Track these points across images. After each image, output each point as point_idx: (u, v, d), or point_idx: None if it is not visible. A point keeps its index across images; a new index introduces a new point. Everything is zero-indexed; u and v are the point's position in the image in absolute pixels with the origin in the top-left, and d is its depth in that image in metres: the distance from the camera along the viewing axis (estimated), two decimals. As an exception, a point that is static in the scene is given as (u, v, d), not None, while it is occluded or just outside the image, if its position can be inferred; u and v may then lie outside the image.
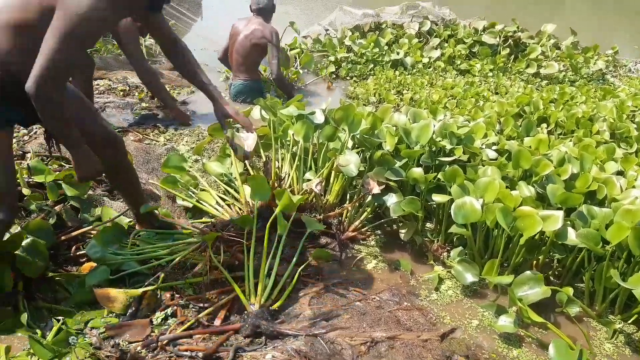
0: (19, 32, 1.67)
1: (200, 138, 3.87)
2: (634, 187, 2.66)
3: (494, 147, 3.08)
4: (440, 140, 2.89)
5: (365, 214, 2.83)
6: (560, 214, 2.25)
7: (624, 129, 3.53)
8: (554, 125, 3.76)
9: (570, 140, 3.37)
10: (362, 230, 2.83)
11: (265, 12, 4.67)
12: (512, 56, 6.11)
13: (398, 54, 5.88)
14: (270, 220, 2.28)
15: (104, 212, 2.58)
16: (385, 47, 6.04)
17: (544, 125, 3.69)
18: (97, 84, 4.80)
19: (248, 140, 2.27)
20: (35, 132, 3.50)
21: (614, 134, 3.56)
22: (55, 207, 2.54)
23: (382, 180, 2.68)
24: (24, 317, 1.92)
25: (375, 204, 2.78)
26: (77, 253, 2.37)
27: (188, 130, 4.05)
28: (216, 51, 5.36)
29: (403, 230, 2.73)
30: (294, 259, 2.33)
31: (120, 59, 5.44)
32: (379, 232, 2.89)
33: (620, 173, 2.90)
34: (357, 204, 2.82)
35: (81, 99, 2.14)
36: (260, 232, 2.30)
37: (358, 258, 2.65)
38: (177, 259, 2.26)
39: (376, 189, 2.64)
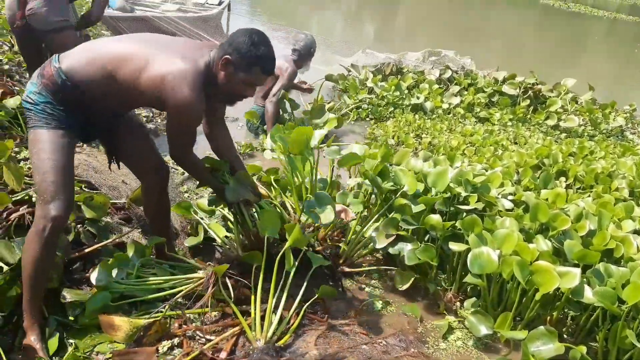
0: (111, 82, 2.01)
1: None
2: (651, 247, 2.62)
3: (510, 198, 3.06)
4: (455, 187, 2.87)
5: (366, 251, 2.84)
6: (577, 271, 2.22)
7: (644, 188, 3.48)
8: (573, 179, 3.73)
9: (589, 196, 3.32)
10: (364, 267, 2.82)
11: (299, 53, 4.91)
12: (532, 107, 6.14)
13: (418, 98, 5.95)
14: (279, 256, 2.27)
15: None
16: (406, 91, 6.12)
17: (563, 178, 3.66)
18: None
19: None
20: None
21: (632, 192, 3.52)
22: (76, 226, 2.56)
23: (391, 233, 2.68)
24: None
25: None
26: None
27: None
28: None
29: (398, 279, 2.71)
30: (299, 295, 2.30)
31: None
32: (389, 270, 2.84)
33: (637, 232, 2.85)
34: (356, 241, 2.81)
35: (142, 126, 2.49)
36: (267, 264, 2.29)
37: (365, 298, 2.61)
38: (184, 291, 2.25)
39: (383, 244, 2.65)
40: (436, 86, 6.27)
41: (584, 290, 2.24)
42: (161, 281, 2.29)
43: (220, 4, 9.13)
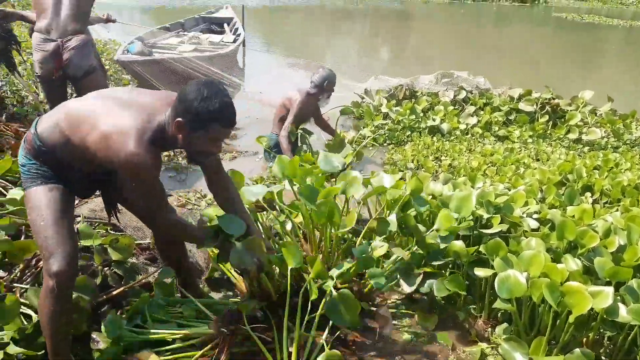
0: (71, 146, 1.94)
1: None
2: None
3: (535, 216, 2.98)
4: (477, 210, 2.82)
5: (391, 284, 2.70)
6: (610, 290, 2.14)
7: (674, 199, 3.37)
8: (599, 194, 3.63)
9: (617, 210, 3.22)
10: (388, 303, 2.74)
11: (314, 85, 4.92)
12: (550, 122, 6.04)
13: (434, 120, 5.90)
14: (302, 291, 2.25)
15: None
16: (421, 114, 6.09)
17: (588, 194, 3.55)
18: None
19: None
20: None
21: (663, 203, 3.39)
22: (103, 269, 2.60)
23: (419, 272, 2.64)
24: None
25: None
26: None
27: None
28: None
29: (422, 320, 2.63)
30: (327, 330, 2.25)
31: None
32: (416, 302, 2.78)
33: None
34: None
35: None
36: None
37: (394, 328, 2.55)
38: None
39: (412, 286, 2.59)
40: (451, 107, 6.22)
41: (619, 309, 2.14)
42: (179, 334, 2.23)
43: (235, 41, 9.34)
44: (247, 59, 9.98)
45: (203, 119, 1.85)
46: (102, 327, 2.10)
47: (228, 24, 10.96)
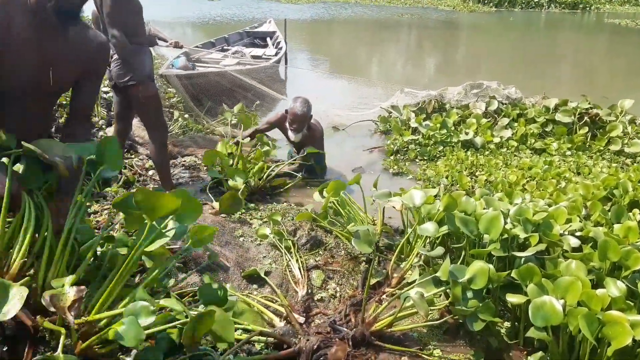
0: None
1: (273, 211, 3.70)
2: None
3: (578, 234, 2.65)
4: (512, 229, 2.51)
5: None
6: None
7: None
8: (648, 211, 3.22)
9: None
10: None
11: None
12: (589, 134, 5.50)
13: (467, 134, 5.47)
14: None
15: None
16: (452, 128, 5.66)
17: (636, 210, 3.15)
18: (184, 160, 4.87)
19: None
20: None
21: None
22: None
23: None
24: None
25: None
26: None
27: (262, 205, 3.92)
28: None
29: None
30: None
31: (207, 138, 5.57)
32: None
33: None
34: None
35: None
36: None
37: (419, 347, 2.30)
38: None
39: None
40: (484, 120, 5.77)
41: (666, 338, 1.82)
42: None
43: (276, 54, 9.23)
44: (290, 72, 9.85)
45: None
46: None
47: (271, 38, 10.90)
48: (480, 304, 2.20)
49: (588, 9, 25.83)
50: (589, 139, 5.44)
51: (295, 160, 4.58)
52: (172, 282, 2.62)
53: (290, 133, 4.60)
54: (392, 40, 16.96)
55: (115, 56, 3.57)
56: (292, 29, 12.42)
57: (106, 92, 5.78)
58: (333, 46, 15.43)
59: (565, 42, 17.00)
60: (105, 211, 3.37)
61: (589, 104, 5.76)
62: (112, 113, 4.55)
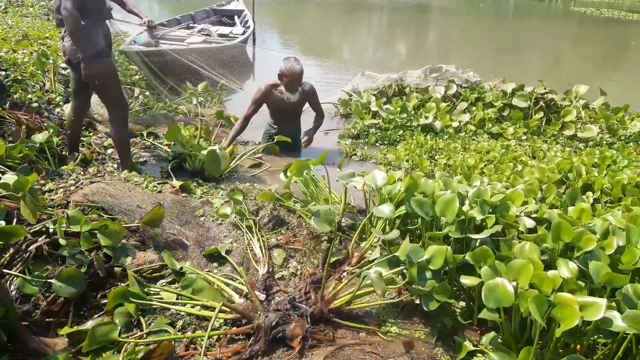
0: None
1: (235, 191, 3.60)
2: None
3: (533, 216, 2.66)
4: (469, 210, 2.50)
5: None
6: (603, 302, 1.86)
7: (676, 198, 3.02)
8: (599, 193, 3.28)
9: (619, 210, 2.89)
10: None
11: (278, 75, 4.62)
12: (544, 119, 5.55)
13: (427, 118, 5.42)
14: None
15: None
16: (412, 112, 5.60)
17: (589, 193, 3.20)
18: (145, 139, 4.69)
19: None
20: (82, 183, 3.39)
21: (664, 202, 3.05)
22: (89, 254, 2.47)
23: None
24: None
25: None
26: (102, 301, 2.31)
27: (223, 185, 3.81)
28: None
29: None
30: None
31: (169, 116, 5.37)
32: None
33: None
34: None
35: None
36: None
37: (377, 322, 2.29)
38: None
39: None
40: (443, 104, 5.73)
41: (613, 318, 1.87)
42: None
43: (244, 33, 8.98)
44: (258, 53, 9.61)
45: None
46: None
47: (238, 16, 10.61)
48: (437, 284, 2.19)
49: None
50: (544, 124, 5.49)
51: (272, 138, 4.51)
52: (129, 260, 2.54)
53: (287, 95, 4.54)
54: (363, 23, 16.79)
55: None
56: (261, 8, 12.12)
57: (65, 68, 5.49)
58: (303, 27, 15.15)
59: (532, 29, 17.19)
60: (61, 189, 3.20)
61: (545, 89, 5.78)
62: (70, 90, 4.32)
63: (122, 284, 2.37)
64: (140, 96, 5.56)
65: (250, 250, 2.83)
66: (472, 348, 2.13)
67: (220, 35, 8.73)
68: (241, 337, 2.22)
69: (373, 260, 2.62)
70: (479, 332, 2.27)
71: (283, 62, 4.52)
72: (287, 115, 4.73)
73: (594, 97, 5.72)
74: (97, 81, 3.50)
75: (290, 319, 2.23)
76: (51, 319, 2.22)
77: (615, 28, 17.41)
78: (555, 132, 5.31)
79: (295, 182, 3.24)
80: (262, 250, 2.78)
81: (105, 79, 3.50)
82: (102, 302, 2.30)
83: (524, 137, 5.15)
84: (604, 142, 5.15)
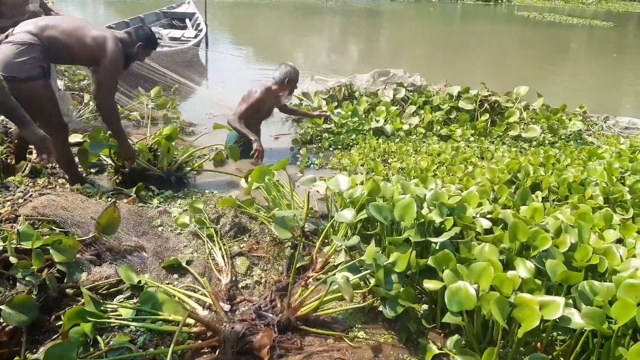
0: None
1: (194, 199, 3.46)
2: (634, 256, 2.33)
3: (489, 216, 2.70)
4: (428, 213, 2.51)
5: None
6: (561, 301, 1.89)
7: (618, 193, 3.15)
8: (547, 191, 3.37)
9: (567, 207, 2.99)
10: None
11: (276, 82, 4.55)
12: (489, 120, 5.65)
13: (378, 121, 5.39)
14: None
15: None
16: (363, 115, 5.56)
17: (539, 192, 3.29)
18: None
19: None
20: (31, 195, 3.15)
21: (607, 198, 3.17)
22: (42, 274, 2.29)
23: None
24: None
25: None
26: (56, 323, 2.16)
27: (181, 193, 3.67)
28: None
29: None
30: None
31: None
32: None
33: (619, 241, 2.54)
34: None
35: None
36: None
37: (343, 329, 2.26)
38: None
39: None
40: (393, 108, 5.72)
41: (571, 316, 1.91)
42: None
43: (196, 36, 8.74)
44: (210, 57, 9.37)
45: None
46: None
47: (190, 19, 10.32)
48: (402, 289, 2.17)
49: (500, 1, 27.07)
50: (489, 125, 5.59)
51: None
52: (84, 276, 2.38)
53: (284, 99, 4.61)
54: (316, 27, 16.77)
55: None
56: (213, 11, 11.85)
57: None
58: (256, 31, 14.95)
59: (478, 32, 17.65)
60: (8, 202, 2.97)
61: (488, 91, 5.89)
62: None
63: (77, 304, 2.22)
64: (91, 102, 5.27)
65: (212, 259, 2.72)
66: (438, 351, 2.13)
67: (172, 39, 8.46)
68: (206, 350, 2.12)
69: (337, 265, 2.58)
70: (442, 334, 2.27)
71: (287, 67, 4.51)
72: (262, 119, 4.74)
73: (534, 98, 5.91)
74: (30, 101, 3.07)
75: (257, 329, 2.15)
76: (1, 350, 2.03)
77: (556, 31, 18.17)
78: (501, 133, 5.44)
79: (257, 187, 3.15)
80: (224, 259, 2.68)
81: (38, 100, 3.12)
82: (57, 324, 2.14)
83: (472, 139, 5.23)
84: (547, 142, 5.33)
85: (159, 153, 3.82)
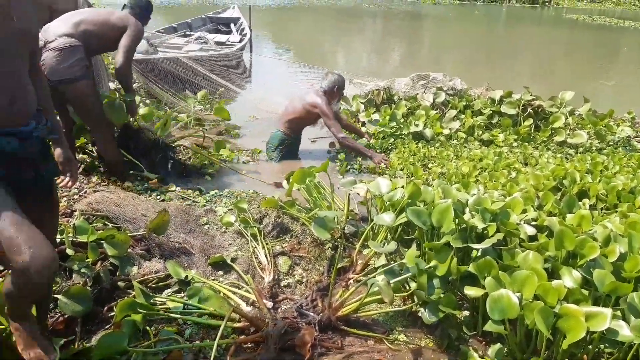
0: None
1: (238, 199, 3.54)
2: (686, 269, 2.19)
3: (533, 223, 2.62)
4: (470, 219, 2.46)
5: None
6: (608, 312, 1.81)
7: (670, 202, 3.00)
8: (595, 200, 3.24)
9: (616, 216, 2.87)
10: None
11: (325, 91, 4.64)
12: (533, 125, 5.45)
13: (417, 125, 5.28)
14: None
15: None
16: (402, 120, 5.47)
17: (586, 200, 3.17)
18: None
19: None
20: (85, 192, 3.32)
21: (659, 208, 3.03)
22: (96, 266, 2.41)
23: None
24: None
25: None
26: (109, 314, 2.25)
27: (227, 192, 3.76)
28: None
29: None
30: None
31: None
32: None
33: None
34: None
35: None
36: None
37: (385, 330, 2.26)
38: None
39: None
40: (432, 112, 5.61)
41: (619, 328, 1.83)
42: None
43: (241, 41, 8.91)
44: (254, 60, 9.54)
45: None
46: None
47: (235, 24, 10.54)
48: (443, 294, 2.15)
49: (547, 4, 26.16)
50: (533, 130, 5.42)
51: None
52: (135, 269, 2.49)
53: (334, 107, 4.66)
54: (357, 30, 16.70)
55: None
56: (257, 16, 12.04)
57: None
58: (298, 34, 15.06)
59: (524, 35, 17.07)
60: (65, 198, 3.14)
61: (531, 95, 5.70)
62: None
63: (128, 296, 2.31)
64: (141, 104, 5.48)
65: (255, 258, 2.78)
66: (479, 359, 2.10)
67: (217, 43, 8.65)
68: (249, 345, 2.17)
69: (377, 268, 2.58)
70: (484, 342, 2.23)
71: (335, 76, 4.67)
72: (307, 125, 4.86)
73: (581, 104, 5.70)
74: (76, 102, 3.39)
75: (299, 327, 2.18)
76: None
77: (606, 34, 17.41)
78: (545, 139, 5.26)
79: (298, 189, 3.20)
80: (267, 258, 2.73)
81: (84, 100, 3.38)
82: (110, 315, 2.23)
83: (515, 144, 5.08)
84: (594, 148, 5.11)
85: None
